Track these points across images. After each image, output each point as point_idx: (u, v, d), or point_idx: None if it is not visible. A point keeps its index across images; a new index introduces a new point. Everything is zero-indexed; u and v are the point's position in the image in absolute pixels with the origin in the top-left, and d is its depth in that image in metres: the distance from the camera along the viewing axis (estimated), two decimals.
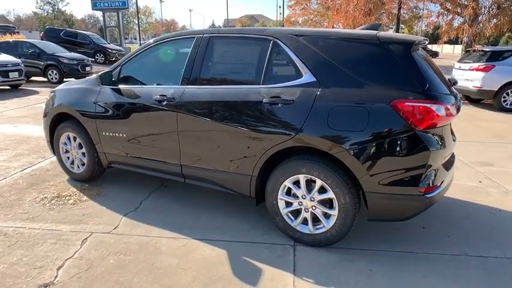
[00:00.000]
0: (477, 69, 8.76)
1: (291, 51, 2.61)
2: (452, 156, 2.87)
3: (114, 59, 19.45)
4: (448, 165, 2.64)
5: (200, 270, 2.41)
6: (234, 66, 2.98)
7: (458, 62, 9.85)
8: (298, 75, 2.56)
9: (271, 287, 2.25)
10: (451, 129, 2.88)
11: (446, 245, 2.74)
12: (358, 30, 2.76)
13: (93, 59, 19.14)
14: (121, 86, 3.32)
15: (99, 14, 62.93)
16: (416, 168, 2.28)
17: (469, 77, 8.93)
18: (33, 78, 13.26)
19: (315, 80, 2.49)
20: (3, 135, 5.71)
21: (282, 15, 34.57)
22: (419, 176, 2.29)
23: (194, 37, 3.05)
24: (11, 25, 26.37)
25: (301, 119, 2.48)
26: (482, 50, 9.25)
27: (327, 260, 2.54)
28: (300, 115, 2.49)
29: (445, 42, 12.07)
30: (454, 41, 17.14)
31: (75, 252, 2.59)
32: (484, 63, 8.69)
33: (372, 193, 2.38)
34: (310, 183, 2.58)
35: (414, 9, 14.23)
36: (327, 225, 2.58)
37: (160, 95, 3.03)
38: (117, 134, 3.40)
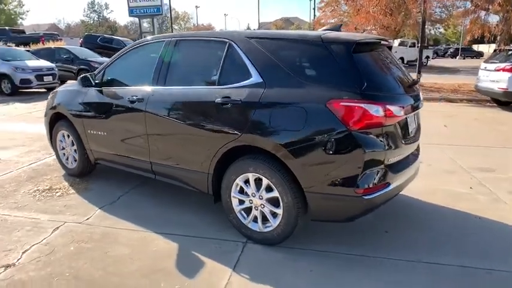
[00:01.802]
0: (503, 70, 8.23)
1: (243, 52, 2.69)
2: (412, 156, 2.79)
3: None
4: (401, 166, 2.58)
5: (147, 261, 2.55)
6: (195, 68, 3.11)
7: (484, 62, 9.31)
8: (248, 76, 2.63)
9: (206, 281, 2.34)
10: (415, 128, 2.82)
11: (403, 250, 2.67)
12: (306, 32, 2.80)
13: None
14: (103, 88, 3.57)
15: (139, 20, 66.30)
16: (352, 169, 2.27)
17: (495, 78, 8.41)
18: (69, 82, 14.28)
19: (262, 80, 2.56)
20: (24, 133, 6.26)
21: (314, 17, 34.28)
22: (355, 177, 2.27)
23: (164, 41, 3.23)
24: (55, 32, 28.49)
25: (247, 118, 2.55)
26: (509, 49, 8.67)
27: (271, 258, 2.58)
28: (246, 115, 2.56)
29: (479, 42, 11.41)
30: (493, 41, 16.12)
31: (44, 238, 2.83)
32: (510, 63, 8.14)
33: (311, 193, 2.40)
34: (259, 182, 2.64)
35: (442, 8, 13.56)
36: (273, 223, 2.62)
37: (133, 96, 3.23)
38: (99, 133, 3.66)
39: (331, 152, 2.30)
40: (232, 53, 2.76)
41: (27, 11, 60.40)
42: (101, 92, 3.57)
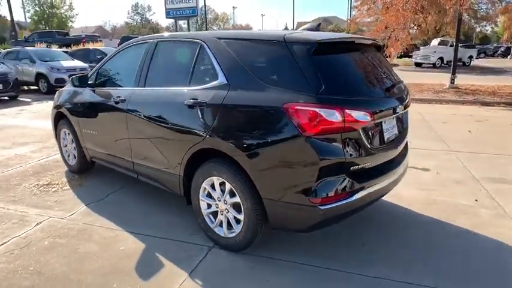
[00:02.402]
0: None
1: (212, 53, 2.65)
2: (393, 162, 2.60)
3: None
4: (373, 174, 2.40)
5: (111, 260, 2.59)
6: (171, 69, 3.11)
7: None
8: (215, 77, 2.59)
9: (159, 284, 2.33)
10: (396, 133, 2.63)
11: (376, 266, 2.49)
12: (273, 31, 2.70)
13: None
14: (95, 88, 3.68)
15: (181, 22, 68.35)
16: (307, 176, 2.15)
17: None
18: None
19: (226, 82, 2.50)
20: (44, 130, 6.63)
21: (351, 16, 33.36)
22: (311, 186, 2.15)
23: (147, 42, 3.27)
24: (96, 34, 30.08)
25: (211, 121, 2.51)
26: None
27: (231, 265, 2.51)
28: (210, 117, 2.52)
29: None
30: None
31: (25, 232, 2.97)
32: None
33: (267, 199, 2.31)
34: (224, 186, 2.59)
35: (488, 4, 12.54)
36: (236, 230, 2.56)
37: (117, 96, 3.31)
38: (91, 132, 3.78)
39: (286, 158, 2.20)
40: (203, 54, 2.73)
41: (77, 14, 64.22)
42: (93, 92, 3.68)
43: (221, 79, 2.54)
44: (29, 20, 49.06)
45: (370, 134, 2.34)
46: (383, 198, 3.51)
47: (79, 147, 4.08)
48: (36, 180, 4.15)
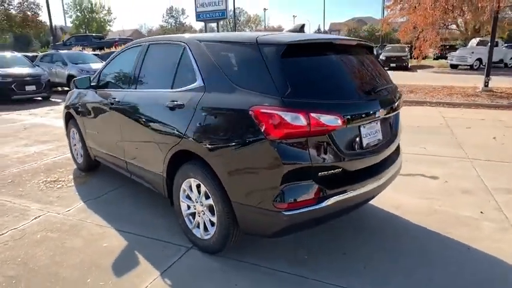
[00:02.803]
0: None
1: (192, 56, 2.67)
2: (368, 171, 2.49)
3: None
4: (348, 181, 2.32)
5: (92, 255, 2.68)
6: (157, 71, 3.16)
7: None
8: (194, 79, 2.61)
9: (130, 281, 2.38)
10: (381, 139, 2.52)
11: (349, 276, 2.40)
12: (247, 33, 2.68)
13: None
14: (96, 90, 3.83)
15: (213, 25, 69.59)
16: (271, 181, 2.11)
17: None
18: None
19: (203, 84, 2.52)
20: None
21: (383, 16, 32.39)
22: (274, 191, 2.10)
23: (141, 45, 3.36)
24: (130, 37, 31.31)
25: (187, 123, 2.53)
26: None
27: (204, 267, 2.52)
28: (186, 119, 2.55)
29: None
30: None
31: (23, 225, 3.15)
32: None
33: (236, 203, 2.29)
34: (200, 188, 2.60)
35: None
36: (211, 232, 2.57)
37: (113, 98, 3.43)
38: (93, 131, 3.95)
39: (252, 162, 2.18)
40: (185, 56, 2.76)
41: (114, 18, 67.16)
42: (95, 93, 3.84)
43: (199, 81, 2.56)
44: (70, 25, 51.91)
45: (343, 139, 2.26)
46: (380, 206, 3.43)
47: (84, 146, 4.26)
48: (45, 176, 4.39)
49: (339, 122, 2.16)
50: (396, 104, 2.72)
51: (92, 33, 39.57)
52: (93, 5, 53.84)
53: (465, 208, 3.43)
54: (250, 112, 2.14)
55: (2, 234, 3.00)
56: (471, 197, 3.70)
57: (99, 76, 3.89)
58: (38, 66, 11.64)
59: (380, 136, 2.57)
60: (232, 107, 2.26)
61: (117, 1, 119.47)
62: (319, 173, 2.16)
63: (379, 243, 2.84)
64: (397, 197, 3.60)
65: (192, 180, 2.61)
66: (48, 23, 24.51)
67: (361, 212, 3.29)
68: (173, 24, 73.80)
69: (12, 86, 10.19)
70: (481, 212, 3.35)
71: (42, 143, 6.04)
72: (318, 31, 75.42)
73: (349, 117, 2.22)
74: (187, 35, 2.96)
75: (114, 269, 2.52)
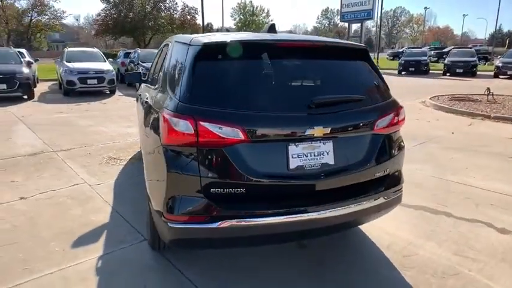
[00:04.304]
0: None
1: (170, 54, 2.73)
2: (296, 199, 2.07)
3: None
4: (259, 206, 1.98)
5: (75, 224, 3.13)
6: (160, 69, 3.31)
7: None
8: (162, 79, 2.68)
9: (75, 253, 2.67)
10: (313, 160, 2.06)
11: None
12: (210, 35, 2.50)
13: None
14: (144, 84, 4.33)
15: (370, 25, 66.43)
16: (162, 189, 2.01)
17: None
18: None
19: (161, 84, 2.57)
20: None
21: None
22: (163, 200, 2.00)
23: (168, 43, 3.61)
24: None
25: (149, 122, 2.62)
26: None
27: (136, 261, 2.60)
28: (149, 119, 2.63)
29: None
30: None
31: (60, 188, 3.90)
32: None
33: (149, 204, 2.27)
34: None
35: None
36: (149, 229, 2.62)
37: (144, 92, 3.82)
38: (138, 120, 4.48)
39: (154, 167, 2.12)
40: (167, 55, 2.85)
41: (271, 20, 71.54)
42: (142, 86, 4.35)
43: (161, 81, 2.62)
44: (234, 27, 58.51)
45: (254, 155, 1.94)
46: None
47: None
48: (113, 153, 5.24)
49: (240, 135, 1.88)
50: (364, 124, 2.14)
51: None
52: (254, 8, 59.40)
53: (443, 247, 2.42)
54: (159, 115, 2.09)
55: (42, 192, 3.79)
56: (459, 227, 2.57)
57: (150, 71, 4.38)
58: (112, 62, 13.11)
59: (329, 160, 2.08)
60: (155, 108, 2.25)
61: (275, 4, 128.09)
62: (212, 189, 1.93)
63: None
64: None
65: None
66: (204, 25, 28.28)
67: None
68: (326, 25, 74.28)
69: (76, 79, 10.94)
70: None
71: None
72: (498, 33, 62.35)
73: (256, 131, 1.89)
74: (183, 36, 3.03)
75: (77, 239, 2.88)
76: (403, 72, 22.05)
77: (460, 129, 7.12)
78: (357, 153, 2.17)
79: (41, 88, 13.20)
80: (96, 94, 11.42)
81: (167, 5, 36.61)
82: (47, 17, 38.75)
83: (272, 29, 2.50)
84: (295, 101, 2.04)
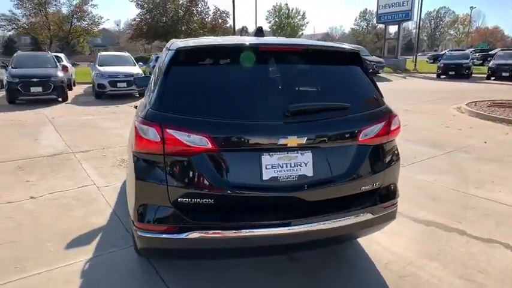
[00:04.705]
0: None
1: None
2: (271, 212, 1.96)
3: (371, 70, 20.08)
4: (230, 218, 1.90)
5: (74, 226, 3.19)
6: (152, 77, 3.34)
7: None
8: None
9: (66, 254, 2.72)
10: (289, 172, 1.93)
11: None
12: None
13: None
14: None
15: (411, 26, 63.92)
16: (132, 196, 1.98)
17: None
18: None
19: (147, 91, 2.57)
20: None
21: None
22: (133, 207, 1.97)
23: None
24: None
25: None
26: None
27: (123, 265, 2.62)
28: None
29: None
30: None
31: (69, 189, 4.02)
32: None
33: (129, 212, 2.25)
34: None
35: None
36: None
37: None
38: None
39: (128, 174, 2.10)
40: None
41: (307, 23, 70.98)
42: None
43: (148, 89, 2.63)
44: (268, 30, 58.62)
45: (223, 165, 1.86)
46: None
47: None
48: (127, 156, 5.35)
49: (207, 144, 1.80)
50: (346, 134, 1.99)
51: (284, 36, 43.68)
52: (290, 11, 59.19)
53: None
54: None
55: (51, 193, 3.93)
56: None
57: None
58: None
59: (307, 172, 1.95)
60: (135, 116, 2.24)
61: (311, 6, 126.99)
62: (179, 199, 1.87)
63: None
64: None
65: None
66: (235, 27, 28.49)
67: None
68: (364, 27, 72.43)
69: (107, 82, 11.34)
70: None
71: None
72: None
73: (224, 140, 1.81)
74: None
75: (71, 241, 2.94)
76: (442, 76, 20.88)
77: (494, 138, 6.57)
78: (340, 165, 2.02)
79: (76, 90, 13.93)
80: (126, 97, 11.85)
81: (199, 9, 37.46)
82: (85, 22, 40.81)
83: (259, 32, 2.41)
84: (270, 109, 1.92)
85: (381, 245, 2.89)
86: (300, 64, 2.11)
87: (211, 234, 1.88)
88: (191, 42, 2.21)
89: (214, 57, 2.03)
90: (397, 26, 27.55)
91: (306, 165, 1.94)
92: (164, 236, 1.91)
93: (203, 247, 1.94)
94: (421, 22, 34.49)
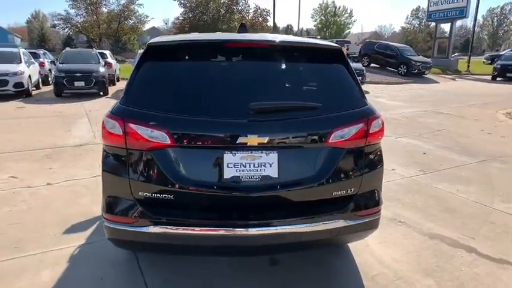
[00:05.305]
0: None
1: None
2: (231, 212, 1.92)
3: (416, 71, 19.02)
4: (189, 215, 1.89)
5: (73, 214, 3.37)
6: None
7: None
8: None
9: (60, 239, 2.87)
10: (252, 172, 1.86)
11: None
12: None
13: (396, 70, 19.78)
14: None
15: (470, 24, 59.50)
16: (102, 187, 2.03)
17: None
18: None
19: None
20: None
21: None
22: (103, 197, 2.02)
23: None
24: (347, 40, 31.59)
25: None
26: None
27: (110, 254, 2.68)
28: None
29: None
30: None
31: (63, 180, 4.24)
32: None
33: None
34: None
35: None
36: None
37: None
38: None
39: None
40: None
41: (354, 21, 68.88)
42: None
43: None
44: (314, 28, 57.78)
45: (185, 161, 1.86)
46: None
47: None
48: None
49: (167, 139, 1.80)
50: (314, 135, 1.89)
51: (331, 35, 42.84)
52: (337, 9, 57.79)
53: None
54: None
55: (66, 180, 4.18)
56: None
57: None
58: None
59: (272, 173, 1.87)
60: None
61: (360, 4, 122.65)
62: (140, 193, 1.89)
63: None
64: None
65: None
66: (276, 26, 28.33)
67: None
68: (416, 25, 68.77)
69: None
70: None
71: None
72: None
73: (183, 136, 1.79)
74: None
75: (70, 227, 3.10)
76: (498, 78, 19.15)
77: None
78: (308, 168, 1.91)
79: (120, 85, 14.70)
80: None
81: (240, 7, 37.83)
82: (132, 21, 42.77)
83: (242, 28, 2.35)
84: (234, 107, 1.87)
85: (374, 254, 2.72)
86: (271, 61, 2.03)
87: (171, 230, 1.88)
88: (166, 38, 2.23)
89: (183, 54, 2.03)
90: (449, 24, 25.77)
91: (270, 166, 1.87)
92: (127, 228, 1.94)
93: (164, 242, 1.95)
94: (481, 20, 31.95)
